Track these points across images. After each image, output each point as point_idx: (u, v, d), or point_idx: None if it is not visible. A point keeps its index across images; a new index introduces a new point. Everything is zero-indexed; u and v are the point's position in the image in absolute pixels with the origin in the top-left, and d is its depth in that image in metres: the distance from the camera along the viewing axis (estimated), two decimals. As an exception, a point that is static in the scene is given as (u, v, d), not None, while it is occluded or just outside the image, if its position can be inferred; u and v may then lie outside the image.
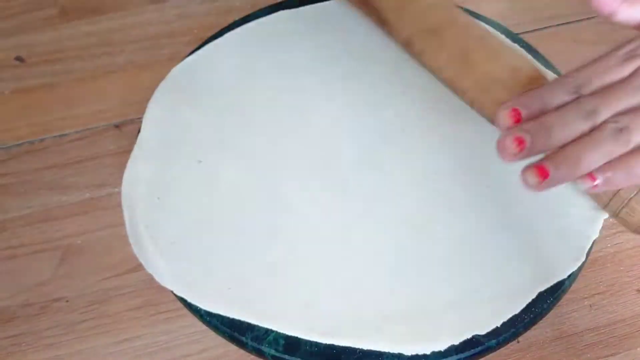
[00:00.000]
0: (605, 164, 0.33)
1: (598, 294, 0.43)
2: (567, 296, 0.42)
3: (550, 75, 0.50)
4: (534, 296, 0.40)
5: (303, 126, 0.48)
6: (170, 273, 0.41)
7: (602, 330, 0.42)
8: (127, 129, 0.51)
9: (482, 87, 0.40)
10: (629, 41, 0.35)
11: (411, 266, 0.42)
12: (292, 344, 0.39)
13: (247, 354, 0.41)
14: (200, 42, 0.54)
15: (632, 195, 0.38)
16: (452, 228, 0.43)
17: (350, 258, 0.42)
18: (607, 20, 0.36)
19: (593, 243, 0.42)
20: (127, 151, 0.49)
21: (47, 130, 0.51)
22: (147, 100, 0.50)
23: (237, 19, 0.55)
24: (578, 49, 0.55)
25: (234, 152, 0.47)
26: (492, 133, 0.47)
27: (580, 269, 0.41)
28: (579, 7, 0.57)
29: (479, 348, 0.39)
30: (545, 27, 0.56)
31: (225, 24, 0.55)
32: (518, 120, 0.35)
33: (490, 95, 0.39)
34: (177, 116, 0.49)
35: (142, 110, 0.50)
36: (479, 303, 0.40)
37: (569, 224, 0.43)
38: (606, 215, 0.43)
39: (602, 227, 0.43)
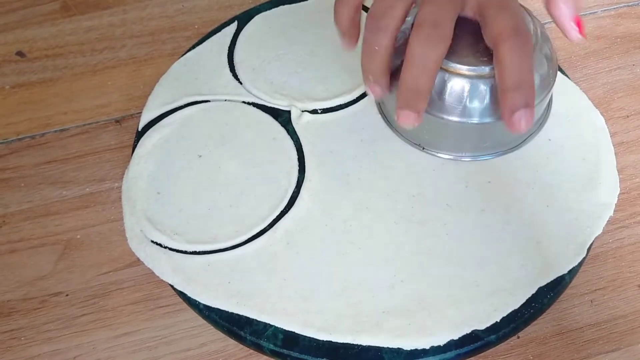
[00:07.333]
0: None
1: (599, 289, 0.43)
2: (567, 291, 0.42)
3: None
4: (534, 291, 0.40)
5: (303, 120, 0.48)
6: (170, 267, 0.42)
7: (603, 326, 0.41)
8: (127, 124, 0.51)
9: None
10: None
11: (410, 261, 0.41)
12: (291, 338, 0.39)
13: (246, 348, 0.41)
14: (201, 37, 0.54)
15: None
16: (452, 222, 0.43)
17: (349, 253, 0.42)
18: None
19: (594, 238, 0.42)
20: (128, 146, 0.49)
21: (47, 125, 0.52)
22: (148, 95, 0.50)
23: (238, 13, 0.55)
24: (580, 44, 0.54)
25: (235, 145, 0.47)
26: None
27: (581, 264, 0.41)
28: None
29: (479, 343, 0.38)
30: (546, 22, 0.55)
31: (226, 19, 0.55)
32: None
33: None
34: (177, 111, 0.49)
35: (143, 105, 0.50)
36: (478, 298, 0.40)
37: (572, 219, 0.43)
38: (611, 212, 0.43)
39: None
